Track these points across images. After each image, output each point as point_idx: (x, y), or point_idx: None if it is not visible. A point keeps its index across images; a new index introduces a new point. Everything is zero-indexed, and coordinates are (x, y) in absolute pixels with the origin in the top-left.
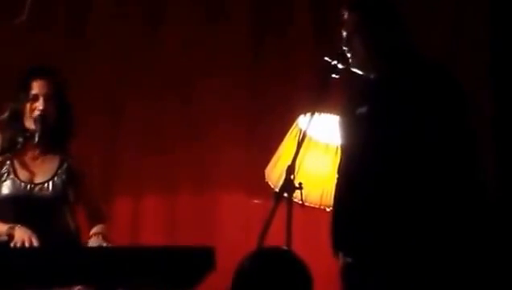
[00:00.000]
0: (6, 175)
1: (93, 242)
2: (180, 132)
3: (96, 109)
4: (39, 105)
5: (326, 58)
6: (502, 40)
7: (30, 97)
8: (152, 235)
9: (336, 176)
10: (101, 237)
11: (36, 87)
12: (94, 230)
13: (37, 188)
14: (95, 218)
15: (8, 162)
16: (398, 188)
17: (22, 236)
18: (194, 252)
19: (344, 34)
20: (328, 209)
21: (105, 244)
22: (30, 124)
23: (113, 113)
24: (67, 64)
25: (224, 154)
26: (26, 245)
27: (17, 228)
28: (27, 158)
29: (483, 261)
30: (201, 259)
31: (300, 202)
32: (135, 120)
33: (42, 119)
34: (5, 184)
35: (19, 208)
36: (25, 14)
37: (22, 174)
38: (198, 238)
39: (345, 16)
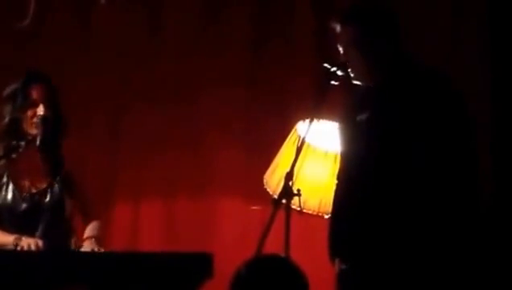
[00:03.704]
0: (5, 183)
1: (87, 247)
2: (179, 138)
3: (95, 113)
4: (40, 110)
5: (325, 64)
6: (502, 42)
7: (30, 103)
8: (150, 241)
9: (336, 182)
10: (94, 241)
11: (36, 93)
12: (87, 233)
13: (36, 197)
14: (86, 215)
15: (7, 170)
16: (397, 196)
17: (29, 241)
18: (192, 258)
19: (340, 48)
20: (326, 216)
21: (97, 249)
22: (31, 129)
23: (112, 118)
24: (67, 67)
25: (223, 160)
26: (32, 248)
27: (24, 238)
28: (26, 164)
29: (480, 268)
30: (199, 266)
31: (298, 209)
32: (134, 125)
33: (44, 122)
34: (4, 192)
35: (19, 216)
36: (28, 19)
37: (22, 182)
38: (196, 244)
39: (338, 30)
